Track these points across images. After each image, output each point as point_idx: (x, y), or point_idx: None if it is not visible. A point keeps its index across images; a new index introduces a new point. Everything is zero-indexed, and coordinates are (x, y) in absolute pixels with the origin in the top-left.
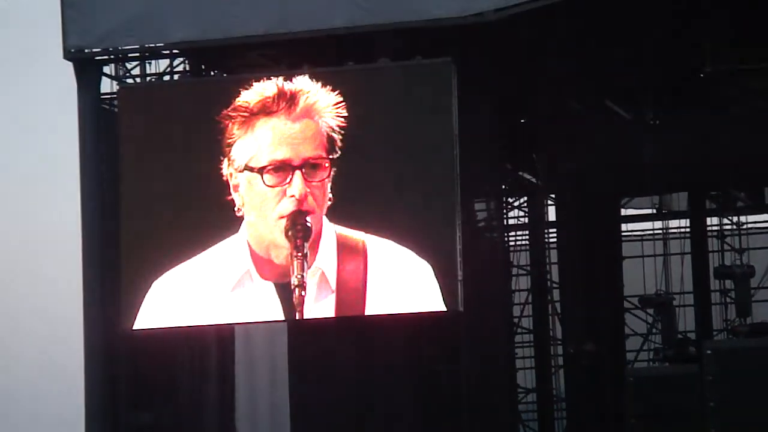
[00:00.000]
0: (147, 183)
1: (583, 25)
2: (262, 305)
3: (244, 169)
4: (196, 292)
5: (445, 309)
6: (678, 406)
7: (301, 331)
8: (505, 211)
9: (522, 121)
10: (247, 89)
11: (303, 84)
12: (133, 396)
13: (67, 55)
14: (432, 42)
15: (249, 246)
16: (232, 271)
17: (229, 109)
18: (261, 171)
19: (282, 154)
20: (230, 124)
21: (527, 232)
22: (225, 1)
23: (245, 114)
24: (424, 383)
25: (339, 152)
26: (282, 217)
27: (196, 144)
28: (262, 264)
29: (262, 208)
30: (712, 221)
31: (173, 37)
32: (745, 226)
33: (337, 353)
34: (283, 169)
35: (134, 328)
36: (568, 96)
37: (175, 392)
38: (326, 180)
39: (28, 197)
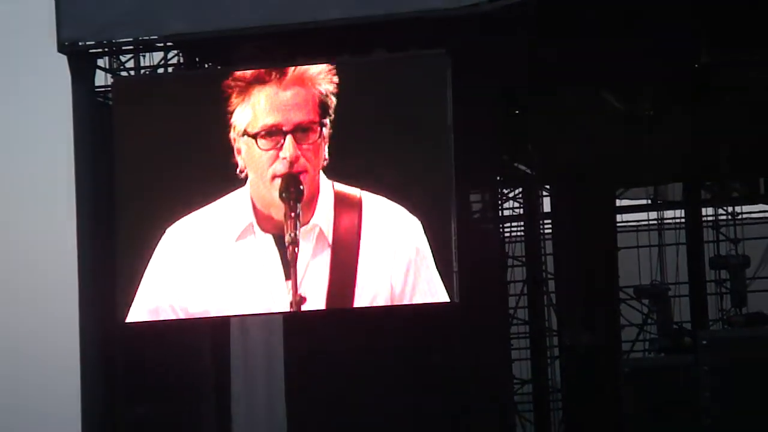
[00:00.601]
0: (141, 175)
1: (578, 15)
2: (263, 257)
3: (243, 134)
4: (205, 241)
5: (438, 273)
6: (674, 396)
7: (297, 322)
8: (500, 202)
9: (517, 112)
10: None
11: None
12: (128, 388)
13: (62, 48)
14: (427, 33)
15: (252, 201)
16: (236, 223)
17: (229, 78)
18: (255, 136)
19: (273, 119)
20: (231, 93)
21: (522, 224)
22: None
23: (242, 83)
24: (419, 374)
25: (333, 115)
26: (276, 177)
27: (190, 135)
28: (263, 218)
29: (258, 169)
30: (708, 211)
31: (167, 30)
32: (740, 217)
33: (332, 343)
34: (275, 133)
35: (134, 309)
36: (563, 87)
37: (171, 384)
38: (319, 141)
39: (23, 190)
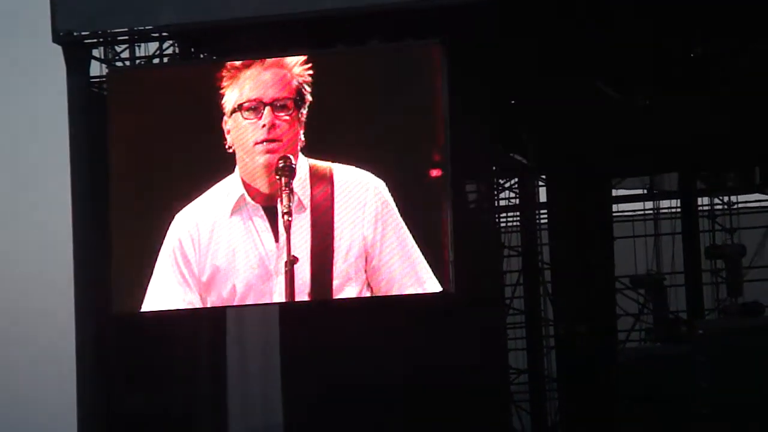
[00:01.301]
0: (137, 165)
1: (573, 6)
2: (254, 225)
3: (231, 112)
4: (205, 221)
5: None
6: (669, 385)
7: (293, 314)
8: (496, 192)
9: (512, 102)
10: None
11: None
12: (124, 379)
13: (56, 38)
14: (423, 23)
15: (241, 178)
16: (229, 198)
17: (221, 70)
18: (240, 107)
19: (255, 94)
20: (222, 79)
21: (518, 214)
22: None
23: (232, 70)
24: (415, 364)
25: (307, 103)
26: (257, 143)
27: (185, 124)
28: (252, 190)
29: (243, 138)
30: (703, 201)
31: (162, 20)
32: (735, 206)
33: (328, 334)
34: (256, 105)
35: (144, 307)
36: (559, 77)
37: (167, 375)
38: (293, 118)
39: (18, 179)
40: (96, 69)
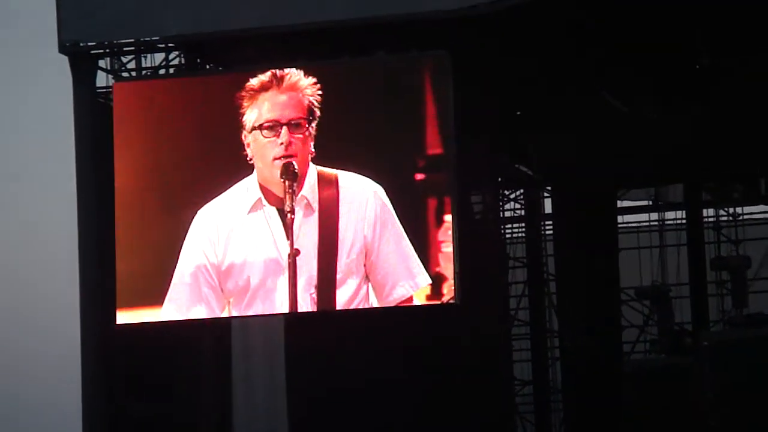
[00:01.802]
0: (143, 174)
1: (578, 16)
2: (268, 223)
3: (251, 129)
4: (225, 216)
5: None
6: (675, 397)
7: (297, 322)
8: (501, 203)
9: (518, 113)
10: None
11: (289, 70)
12: (129, 386)
13: (63, 49)
14: (428, 35)
15: (259, 183)
16: (248, 200)
17: (242, 90)
18: (260, 127)
19: (273, 115)
20: (243, 99)
21: (523, 225)
22: None
23: (251, 91)
24: (420, 375)
25: (317, 119)
26: (275, 159)
27: (190, 134)
28: (268, 194)
29: (262, 155)
30: (708, 212)
31: (169, 31)
32: (741, 218)
33: (333, 343)
34: (274, 125)
35: (163, 313)
36: (564, 88)
37: (172, 382)
38: (306, 135)
39: (24, 191)
40: (102, 80)
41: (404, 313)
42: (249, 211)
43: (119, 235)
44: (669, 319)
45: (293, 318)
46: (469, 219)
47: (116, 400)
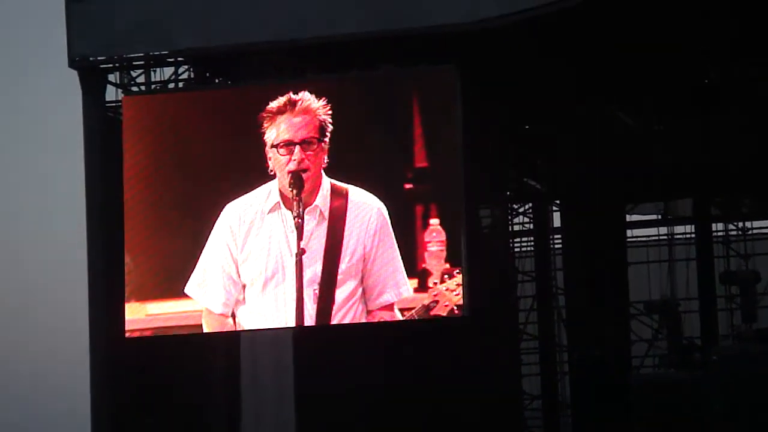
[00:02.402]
0: (150, 187)
1: (587, 32)
2: (285, 225)
3: (271, 147)
4: (248, 213)
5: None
6: (684, 411)
7: (306, 335)
8: (510, 217)
9: (527, 127)
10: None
11: (302, 95)
12: (138, 399)
13: (72, 63)
14: (437, 49)
15: (279, 189)
16: (269, 201)
17: (262, 112)
18: (277, 146)
19: (288, 135)
20: (263, 121)
21: (532, 239)
22: (229, 9)
23: (270, 113)
24: (429, 388)
25: (329, 135)
26: (290, 173)
27: (198, 147)
28: (285, 199)
29: (280, 168)
30: (718, 227)
31: (177, 45)
32: (750, 232)
33: (342, 357)
34: (289, 144)
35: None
36: (572, 102)
37: (181, 395)
38: (318, 150)
39: (34, 205)
40: (112, 94)
41: (414, 326)
42: (269, 212)
43: (129, 241)
44: (678, 334)
45: (301, 330)
46: (478, 233)
47: (125, 413)
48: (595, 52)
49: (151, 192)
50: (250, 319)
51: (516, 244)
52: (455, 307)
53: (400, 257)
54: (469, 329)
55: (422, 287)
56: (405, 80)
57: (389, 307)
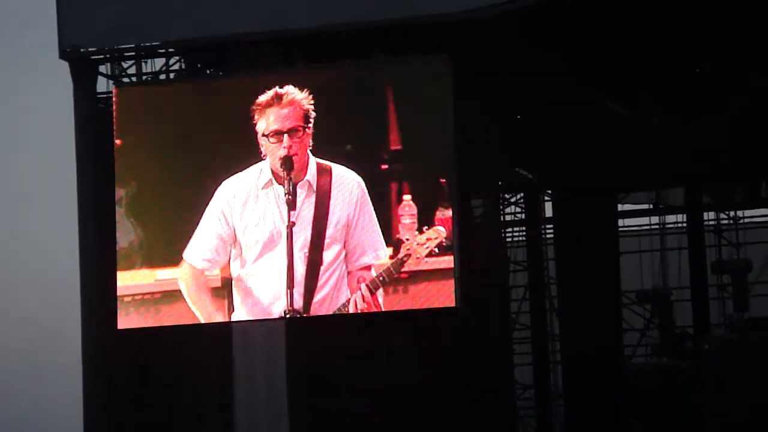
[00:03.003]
0: (142, 179)
1: (580, 21)
2: (277, 200)
3: (262, 136)
4: (242, 189)
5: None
6: (676, 401)
7: (299, 327)
8: (501, 207)
9: (518, 117)
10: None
11: (287, 88)
12: (131, 394)
13: (63, 54)
14: (429, 38)
15: (270, 168)
16: (262, 178)
17: (253, 104)
18: (267, 136)
19: (277, 126)
20: (254, 113)
21: (524, 228)
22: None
23: (260, 106)
24: (420, 378)
25: (312, 122)
26: (280, 159)
27: (192, 138)
28: (276, 176)
29: (271, 153)
30: (709, 216)
31: (169, 36)
32: (742, 221)
33: (335, 349)
34: (278, 133)
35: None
36: (564, 92)
37: (174, 391)
38: (304, 136)
39: (24, 198)
40: (103, 85)
41: (405, 316)
42: (263, 187)
43: (139, 217)
44: (670, 323)
45: (293, 319)
46: (470, 222)
47: (118, 408)
48: (587, 41)
49: (143, 183)
50: (249, 281)
51: (508, 234)
52: (425, 258)
53: (378, 225)
54: (461, 319)
55: (395, 254)
56: (391, 69)
57: (367, 268)
